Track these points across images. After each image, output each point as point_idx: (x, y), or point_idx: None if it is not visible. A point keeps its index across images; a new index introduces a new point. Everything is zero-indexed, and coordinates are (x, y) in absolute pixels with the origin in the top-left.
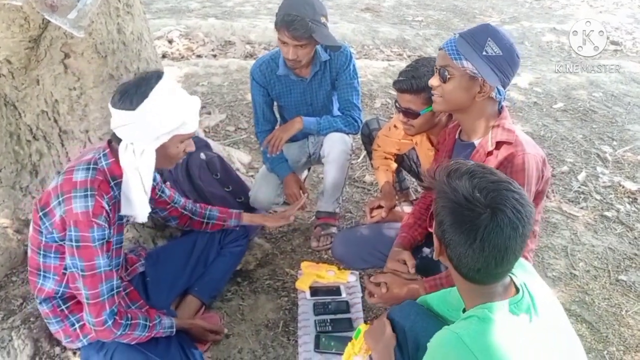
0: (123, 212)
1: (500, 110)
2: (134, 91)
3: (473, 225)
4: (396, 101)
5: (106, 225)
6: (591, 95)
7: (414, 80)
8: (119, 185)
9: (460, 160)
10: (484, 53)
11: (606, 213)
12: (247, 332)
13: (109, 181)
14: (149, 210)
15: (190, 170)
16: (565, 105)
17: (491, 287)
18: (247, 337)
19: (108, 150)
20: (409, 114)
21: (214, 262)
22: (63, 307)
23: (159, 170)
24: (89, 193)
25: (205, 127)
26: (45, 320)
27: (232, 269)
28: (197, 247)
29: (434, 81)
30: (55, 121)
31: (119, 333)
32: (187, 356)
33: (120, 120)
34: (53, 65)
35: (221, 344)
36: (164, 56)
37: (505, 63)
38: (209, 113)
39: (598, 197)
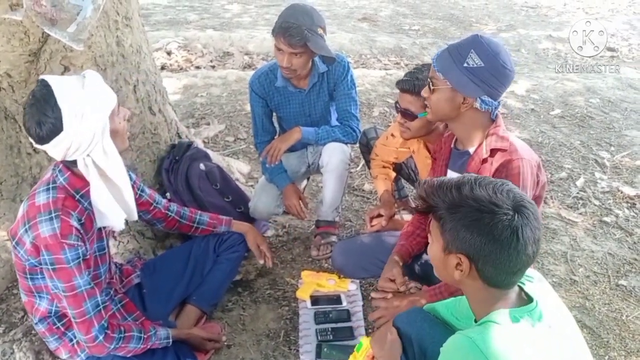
0: (99, 224)
1: (494, 119)
2: (44, 116)
3: (512, 229)
4: (397, 101)
5: (79, 243)
6: (588, 101)
7: (417, 81)
8: (84, 196)
9: (443, 177)
10: (465, 65)
11: (605, 218)
12: (248, 342)
13: (73, 195)
14: (123, 217)
15: (190, 181)
16: (562, 111)
17: (508, 292)
18: (249, 347)
19: (62, 165)
20: (407, 115)
21: (211, 270)
22: (58, 324)
23: (148, 173)
24: (53, 215)
25: (205, 138)
26: (44, 339)
27: (230, 275)
28: (193, 255)
29: (424, 91)
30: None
31: (112, 347)
32: None
33: (62, 148)
34: None
35: (222, 354)
36: (162, 68)
37: (488, 73)
38: (208, 124)
39: (597, 202)
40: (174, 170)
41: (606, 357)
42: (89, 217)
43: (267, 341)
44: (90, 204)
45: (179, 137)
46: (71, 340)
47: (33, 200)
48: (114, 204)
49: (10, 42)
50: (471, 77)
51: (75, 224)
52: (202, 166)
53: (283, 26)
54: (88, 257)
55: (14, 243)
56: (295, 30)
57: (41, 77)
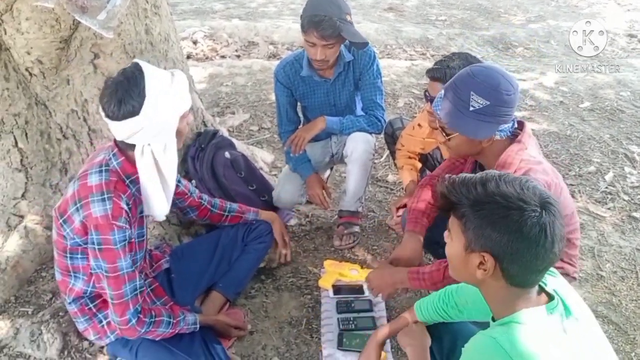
0: (145, 212)
1: (514, 135)
2: (129, 96)
3: (540, 226)
4: (426, 90)
5: (127, 225)
6: (618, 94)
7: (448, 69)
8: (134, 182)
9: (465, 174)
10: (471, 109)
11: (634, 214)
12: (270, 329)
13: (124, 180)
14: (167, 210)
15: (215, 169)
16: (592, 104)
17: (530, 291)
18: (271, 334)
19: (117, 149)
20: None
21: (238, 259)
22: (91, 305)
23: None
24: (106, 196)
25: (230, 127)
26: (74, 319)
27: (255, 265)
28: (221, 243)
29: (439, 137)
30: (85, 120)
31: (142, 331)
32: (210, 352)
33: (130, 130)
34: (83, 65)
35: (245, 340)
36: (188, 57)
37: (496, 108)
38: (233, 113)
39: (626, 197)
40: (200, 158)
41: (632, 354)
42: (134, 203)
43: (289, 328)
44: (138, 190)
45: (205, 125)
46: (101, 322)
47: (85, 180)
48: (162, 194)
49: (41, 29)
50: (481, 118)
51: (124, 206)
52: (227, 154)
53: (314, 20)
54: (132, 240)
55: (61, 221)
56: (327, 22)
57: (135, 60)
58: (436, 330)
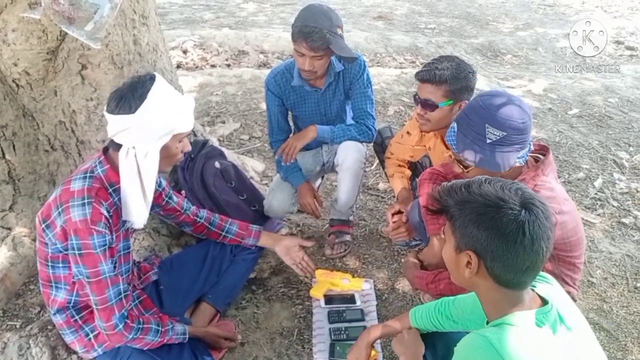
0: (123, 217)
1: (535, 160)
2: (130, 95)
3: (517, 223)
4: (416, 94)
5: (106, 231)
6: (607, 100)
7: (437, 71)
8: (117, 191)
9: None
10: (488, 141)
11: (623, 220)
12: (262, 340)
13: (106, 188)
14: (145, 219)
15: (205, 179)
16: (580, 111)
17: (522, 294)
18: (262, 345)
19: (103, 157)
20: (428, 105)
21: (227, 270)
22: (77, 317)
23: (167, 175)
24: (86, 201)
25: (220, 136)
26: (60, 332)
27: (245, 276)
28: (210, 254)
29: (456, 169)
30: (73, 131)
31: (130, 336)
32: None
33: (120, 126)
34: (70, 76)
35: (236, 351)
36: (178, 66)
37: (513, 137)
38: (223, 122)
39: (615, 203)
40: (190, 168)
41: None
42: (116, 212)
43: (280, 339)
44: (120, 199)
45: (195, 135)
46: (87, 335)
47: (68, 185)
48: (140, 200)
49: (28, 41)
50: (500, 149)
51: (104, 212)
52: (217, 164)
53: (304, 31)
54: (113, 246)
55: (44, 226)
56: (317, 34)
57: (157, 74)
58: (430, 338)
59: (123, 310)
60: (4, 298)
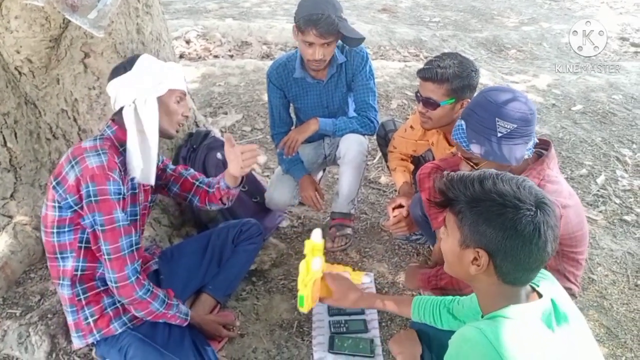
0: (129, 173)
1: (538, 155)
2: (122, 64)
3: (534, 225)
4: (417, 91)
5: (120, 181)
6: (611, 97)
7: (439, 69)
8: (126, 150)
9: (463, 171)
10: (499, 135)
11: (625, 217)
12: (261, 332)
13: (117, 146)
14: (153, 173)
15: (207, 170)
16: (584, 107)
17: (520, 289)
18: (262, 337)
19: (111, 121)
20: (429, 103)
21: (228, 261)
22: (82, 296)
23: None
24: (100, 152)
25: (222, 127)
26: (63, 307)
27: (246, 267)
28: (211, 245)
29: (464, 167)
30: (75, 120)
31: (140, 293)
32: (200, 353)
33: (119, 86)
34: (73, 64)
35: (235, 343)
36: (181, 56)
37: (522, 129)
38: (226, 113)
39: (617, 200)
40: (192, 159)
41: (623, 358)
42: (126, 171)
43: (280, 331)
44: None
45: (197, 125)
46: (87, 318)
47: (80, 144)
48: (146, 152)
49: (31, 28)
50: (511, 142)
51: (118, 163)
52: (219, 155)
53: (313, 19)
54: (126, 197)
55: (54, 184)
56: (326, 20)
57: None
58: (426, 338)
59: (135, 264)
60: (4, 286)
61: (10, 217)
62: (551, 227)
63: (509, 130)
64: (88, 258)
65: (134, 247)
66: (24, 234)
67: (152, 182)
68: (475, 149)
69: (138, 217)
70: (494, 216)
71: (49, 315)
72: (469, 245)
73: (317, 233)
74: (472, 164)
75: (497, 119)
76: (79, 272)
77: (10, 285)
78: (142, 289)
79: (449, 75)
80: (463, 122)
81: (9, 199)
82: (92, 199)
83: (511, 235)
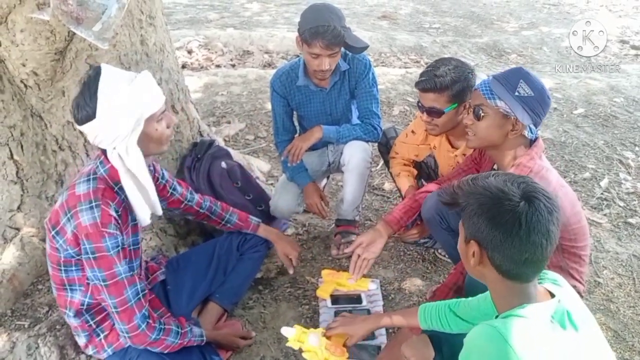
0: (139, 224)
1: (532, 143)
2: (83, 101)
3: (515, 214)
4: (419, 101)
5: (117, 232)
6: (612, 100)
7: (437, 78)
8: (122, 188)
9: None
10: (517, 93)
11: (630, 220)
12: (269, 340)
13: (112, 187)
14: (148, 216)
15: (212, 179)
16: (586, 110)
17: (529, 287)
18: (269, 345)
19: (103, 157)
20: (434, 113)
21: (234, 269)
22: (91, 322)
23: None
24: (93, 204)
25: (225, 136)
26: (74, 333)
27: (252, 274)
28: (217, 254)
29: (468, 119)
30: (80, 132)
31: (153, 337)
32: None
33: (92, 133)
34: (78, 76)
35: (243, 351)
36: (183, 66)
37: (537, 103)
38: (229, 122)
39: (621, 203)
40: (196, 168)
41: None
42: (125, 210)
43: (287, 339)
44: (127, 196)
45: (201, 135)
46: (98, 335)
47: (73, 190)
48: (139, 197)
49: (36, 41)
50: (523, 105)
51: (113, 214)
52: (223, 164)
53: (319, 31)
54: (125, 246)
55: (53, 233)
56: (332, 32)
57: (100, 64)
58: (437, 343)
59: (144, 310)
60: (12, 298)
61: (18, 229)
62: (538, 219)
63: (526, 95)
64: (95, 294)
65: (140, 295)
66: (31, 245)
67: (160, 212)
68: (490, 88)
69: (140, 243)
70: (479, 207)
71: (57, 327)
72: (468, 240)
73: (284, 331)
74: (477, 115)
75: (521, 80)
76: (85, 306)
77: (18, 297)
78: (154, 333)
79: (448, 82)
80: (491, 77)
81: (16, 211)
82: (90, 256)
83: (493, 225)
